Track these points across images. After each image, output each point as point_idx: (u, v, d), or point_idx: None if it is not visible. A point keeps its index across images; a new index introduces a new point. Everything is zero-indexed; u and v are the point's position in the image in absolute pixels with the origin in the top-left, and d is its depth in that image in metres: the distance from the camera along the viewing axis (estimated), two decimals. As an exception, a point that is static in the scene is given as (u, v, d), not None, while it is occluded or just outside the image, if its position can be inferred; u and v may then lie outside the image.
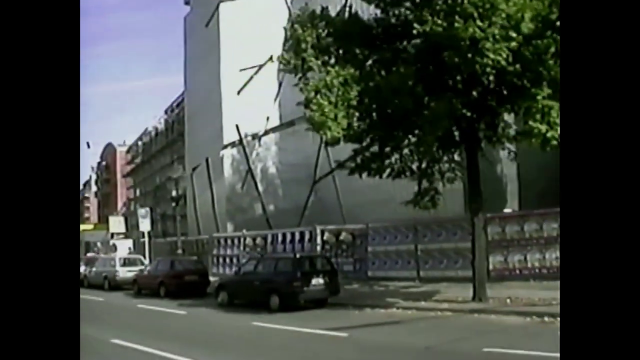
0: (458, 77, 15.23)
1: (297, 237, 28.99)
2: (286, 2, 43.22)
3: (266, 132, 41.91)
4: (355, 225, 26.99)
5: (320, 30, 18.04)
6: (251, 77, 41.39)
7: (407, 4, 17.20)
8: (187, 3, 47.43)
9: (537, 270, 20.09)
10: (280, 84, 42.32)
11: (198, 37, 44.70)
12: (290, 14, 42.88)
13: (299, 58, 17.81)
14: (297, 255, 20.27)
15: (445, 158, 19.49)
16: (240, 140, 41.19)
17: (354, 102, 16.62)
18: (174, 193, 32.11)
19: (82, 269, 33.22)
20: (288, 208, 40.94)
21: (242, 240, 31.91)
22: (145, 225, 33.18)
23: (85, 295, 27.43)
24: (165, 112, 67.47)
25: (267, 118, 41.85)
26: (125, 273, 29.16)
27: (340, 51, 18.16)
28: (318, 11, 18.64)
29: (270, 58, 41.90)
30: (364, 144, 19.25)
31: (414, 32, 15.56)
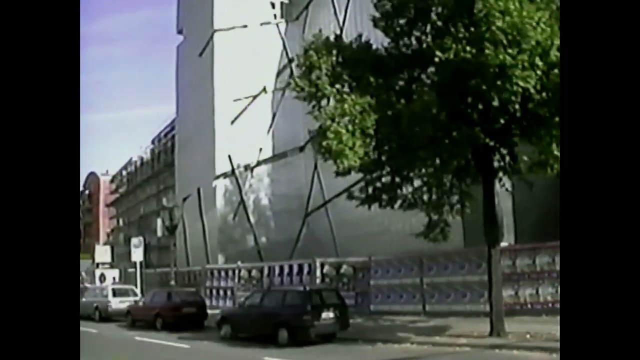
0: (481, 106, 14.94)
1: (296, 269, 28.30)
2: (280, 34, 43.37)
3: (259, 163, 41.55)
4: (356, 258, 26.41)
5: (333, 58, 17.77)
6: (245, 108, 41.12)
7: (424, 31, 17.03)
8: (180, 32, 47.21)
9: (550, 305, 19.62)
10: (273, 115, 42.18)
11: (191, 66, 44.43)
12: (284, 45, 43.05)
13: (313, 85, 17.45)
14: (307, 288, 19.61)
15: (454, 189, 19.16)
16: (233, 171, 40.71)
17: (371, 131, 16.32)
18: (167, 222, 31.27)
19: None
20: (280, 240, 40.43)
21: (236, 272, 31.11)
22: (137, 255, 32.30)
23: (76, 328, 26.55)
24: (152, 142, 66.70)
25: (260, 149, 41.51)
26: (117, 304, 28.22)
27: (353, 79, 17.88)
28: (332, 38, 18.41)
29: (264, 89, 41.97)
30: (375, 174, 18.89)
31: (436, 59, 15.31)
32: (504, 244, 25.51)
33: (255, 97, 41.45)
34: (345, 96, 16.82)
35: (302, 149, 42.44)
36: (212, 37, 41.32)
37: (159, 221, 63.59)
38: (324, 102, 17.91)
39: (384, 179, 18.92)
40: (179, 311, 24.07)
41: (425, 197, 19.25)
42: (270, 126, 41.89)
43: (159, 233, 63.22)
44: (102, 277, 38.75)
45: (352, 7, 38.50)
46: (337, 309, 18.80)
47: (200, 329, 23.72)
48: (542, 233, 19.89)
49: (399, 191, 18.93)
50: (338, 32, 39.21)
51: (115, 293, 29.05)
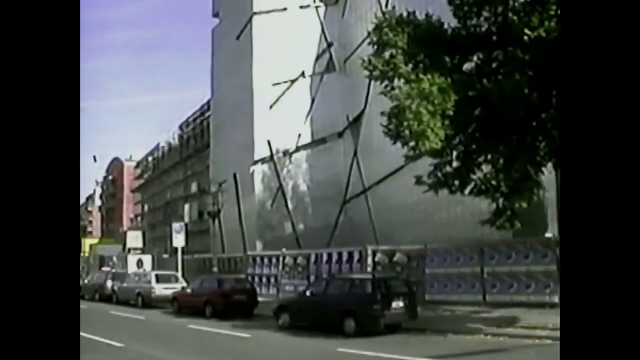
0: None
1: (345, 257, 27.59)
2: (319, 17, 42.48)
3: (297, 149, 40.86)
4: (411, 246, 25.65)
5: (407, 35, 16.96)
6: (283, 92, 40.39)
7: (507, 8, 16.15)
8: (215, 15, 46.49)
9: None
10: (312, 100, 41.40)
11: (228, 50, 43.75)
12: (323, 29, 42.18)
13: (387, 63, 16.66)
14: (376, 276, 18.87)
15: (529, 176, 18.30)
16: (272, 156, 40.04)
17: (450, 112, 15.54)
18: (208, 207, 30.62)
19: (109, 283, 31.87)
20: (318, 227, 39.86)
21: (281, 259, 30.47)
22: (179, 241, 31.70)
23: (120, 312, 26.08)
24: (180, 127, 66.22)
25: (299, 135, 40.80)
26: (161, 290, 27.70)
27: (428, 58, 17.09)
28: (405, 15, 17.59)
29: (303, 73, 41.15)
30: (446, 158, 18.12)
31: (525, 37, 14.46)
32: (548, 234, 24.79)
33: (293, 81, 40.68)
34: (421, 75, 16.01)
35: (340, 134, 41.75)
36: (250, 19, 40.52)
37: (187, 207, 63.60)
38: (396, 82, 17.17)
39: (454, 164, 18.16)
40: (229, 298, 23.48)
41: (495, 183, 18.42)
42: (309, 111, 41.17)
43: (186, 219, 63.24)
44: (140, 263, 38.29)
45: (395, -10, 37.55)
46: (406, 298, 18.10)
47: (250, 317, 23.14)
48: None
49: (471, 176, 18.15)
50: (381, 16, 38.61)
51: (158, 279, 28.51)
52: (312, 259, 29.02)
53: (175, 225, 32.80)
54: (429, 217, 35.15)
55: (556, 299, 20.31)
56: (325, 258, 28.52)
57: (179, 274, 30.18)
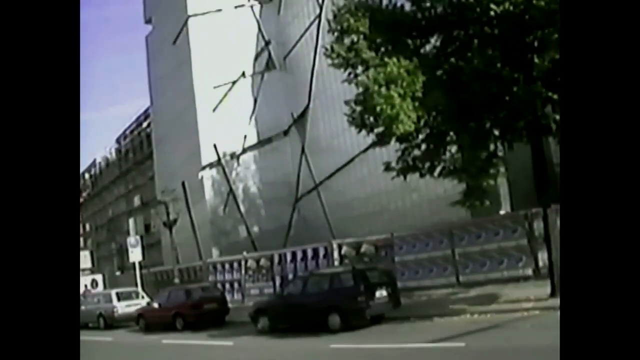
0: (547, 59, 14.08)
1: (310, 254, 27.18)
2: (255, 16, 41.90)
3: (244, 151, 40.14)
4: (377, 237, 25.44)
5: (368, 21, 16.65)
6: (225, 94, 39.60)
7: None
8: (148, 22, 45.13)
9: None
10: (255, 100, 40.78)
11: (164, 56, 42.55)
12: (260, 28, 41.57)
13: (351, 50, 16.32)
14: (357, 267, 18.49)
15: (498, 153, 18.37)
16: (219, 161, 39.16)
17: (419, 94, 15.34)
18: (164, 218, 29.58)
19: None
20: (272, 228, 39.30)
21: (242, 263, 29.79)
22: (136, 255, 30.47)
23: (83, 337, 24.77)
24: (117, 141, 64.23)
25: (245, 136, 40.08)
26: (124, 308, 26.60)
27: (390, 42, 16.85)
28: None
29: (243, 74, 40.48)
30: (416, 141, 17.94)
31: (491, 13, 14.39)
32: (502, 212, 25.23)
33: (234, 82, 39.92)
34: (386, 60, 15.74)
35: (286, 132, 41.27)
36: (186, 23, 39.49)
37: (132, 222, 61.74)
38: (359, 69, 16.86)
39: (423, 146, 18.01)
40: (200, 308, 22.71)
41: (463, 163, 18.34)
42: (253, 111, 40.45)
43: (132, 233, 61.42)
44: (94, 283, 36.78)
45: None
46: (389, 287, 17.86)
47: (222, 324, 22.47)
48: (535, 200, 19.26)
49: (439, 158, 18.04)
50: (318, 10, 38.35)
51: (119, 297, 27.34)
52: (276, 259, 28.45)
53: (131, 239, 31.54)
54: (384, 208, 35.09)
55: (530, 271, 20.60)
56: (289, 257, 28.03)
57: (140, 290, 29.05)
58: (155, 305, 24.26)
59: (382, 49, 16.69)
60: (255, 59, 41.05)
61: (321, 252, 26.75)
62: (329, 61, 16.93)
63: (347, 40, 16.79)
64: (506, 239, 21.12)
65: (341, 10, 17.03)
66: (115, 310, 26.76)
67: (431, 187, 29.17)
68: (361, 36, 16.38)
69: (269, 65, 41.32)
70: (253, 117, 40.63)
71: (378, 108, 14.83)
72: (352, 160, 36.36)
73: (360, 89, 16.13)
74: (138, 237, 32.42)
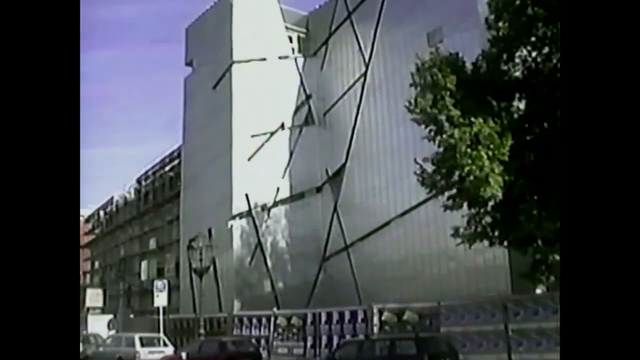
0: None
1: (347, 316, 25.92)
2: (297, 68, 41.81)
3: (276, 204, 39.29)
4: (422, 304, 24.25)
5: (455, 77, 16.07)
6: (262, 145, 39.06)
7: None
8: (188, 64, 45.06)
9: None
10: (291, 153, 40.23)
11: (203, 99, 42.22)
12: (302, 81, 41.43)
13: (437, 106, 15.66)
14: (421, 335, 17.34)
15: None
16: (250, 211, 38.26)
17: (506, 157, 14.59)
18: (195, 264, 28.47)
19: (81, 347, 29.10)
20: (297, 285, 38.18)
21: (272, 319, 28.48)
22: (161, 300, 29.24)
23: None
24: (138, 181, 63.54)
25: (277, 188, 39.33)
26: (146, 355, 25.26)
27: (476, 101, 16.21)
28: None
29: (282, 125, 40.04)
30: (485, 208, 17.08)
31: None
32: (538, 291, 24.19)
33: (273, 133, 39.47)
34: (472, 119, 15.06)
35: (319, 189, 40.54)
36: (229, 68, 39.30)
37: (144, 264, 60.49)
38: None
39: (495, 213, 17.13)
40: (234, 364, 21.41)
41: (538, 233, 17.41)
42: (288, 164, 39.84)
43: (144, 276, 59.97)
44: (112, 324, 35.37)
45: (379, 43, 37.31)
46: (450, 358, 16.67)
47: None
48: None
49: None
50: (363, 68, 38.23)
51: (143, 342, 26.02)
52: (309, 319, 27.17)
53: (158, 283, 30.30)
54: (418, 273, 34.00)
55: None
56: (324, 318, 26.75)
57: (163, 337, 27.72)
58: (183, 355, 22.88)
59: (466, 107, 16.06)
60: (295, 111, 40.74)
61: (359, 316, 25.51)
62: (410, 116, 16.23)
63: (429, 96, 16.19)
64: (566, 319, 19.97)
65: (425, 64, 16.46)
66: (137, 355, 25.40)
67: (470, 256, 28.22)
68: (447, 93, 15.76)
69: (308, 119, 40.99)
70: (287, 170, 39.98)
71: (466, 169, 14.06)
72: (388, 222, 35.50)
73: (441, 148, 15.42)
74: (165, 281, 31.22)
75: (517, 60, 17.32)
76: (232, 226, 37.55)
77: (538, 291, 24.08)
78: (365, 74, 38.05)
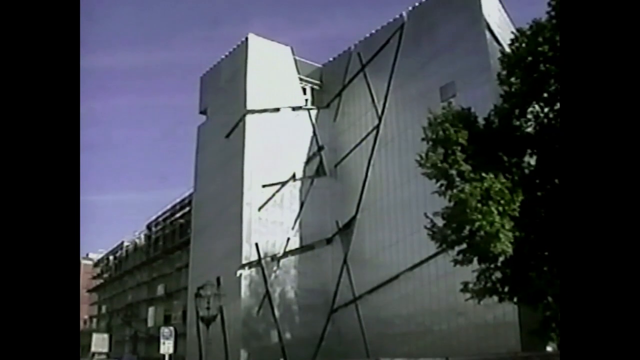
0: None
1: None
2: (310, 120, 42.24)
3: (285, 254, 39.14)
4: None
5: (467, 132, 16.20)
6: (273, 194, 39.19)
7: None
8: (202, 112, 45.70)
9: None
10: (301, 204, 40.29)
11: (216, 147, 42.60)
12: (314, 132, 41.80)
13: (448, 160, 15.73)
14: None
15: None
16: (259, 261, 38.11)
17: (516, 213, 14.56)
18: (202, 313, 28.15)
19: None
20: (304, 337, 37.64)
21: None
22: (168, 347, 28.89)
23: None
24: (148, 227, 63.72)
25: (287, 239, 39.26)
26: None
27: (485, 156, 16.29)
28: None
29: (294, 176, 40.23)
30: (494, 263, 16.95)
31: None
32: (549, 348, 23.81)
33: (284, 184, 39.62)
34: (484, 174, 15.10)
35: (329, 241, 40.41)
36: (243, 118, 39.76)
37: (151, 310, 60.05)
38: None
39: (505, 269, 16.99)
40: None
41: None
42: (298, 215, 39.85)
43: (150, 323, 59.43)
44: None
45: (392, 96, 37.72)
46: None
47: None
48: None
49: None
50: (376, 121, 38.57)
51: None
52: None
53: (164, 330, 29.98)
54: (427, 329, 33.51)
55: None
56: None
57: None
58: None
59: (477, 162, 16.12)
60: (307, 162, 40.95)
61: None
62: (421, 170, 16.30)
63: (440, 150, 16.28)
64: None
65: (437, 118, 16.62)
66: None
67: (480, 312, 27.82)
68: (458, 148, 15.85)
69: (320, 170, 41.17)
70: (298, 221, 39.97)
71: (476, 224, 14.03)
72: (397, 276, 35.22)
73: (452, 202, 15.42)
74: (172, 329, 30.87)
75: (529, 116, 17.45)
76: (240, 275, 37.34)
77: (549, 349, 23.69)
78: (377, 127, 38.36)
